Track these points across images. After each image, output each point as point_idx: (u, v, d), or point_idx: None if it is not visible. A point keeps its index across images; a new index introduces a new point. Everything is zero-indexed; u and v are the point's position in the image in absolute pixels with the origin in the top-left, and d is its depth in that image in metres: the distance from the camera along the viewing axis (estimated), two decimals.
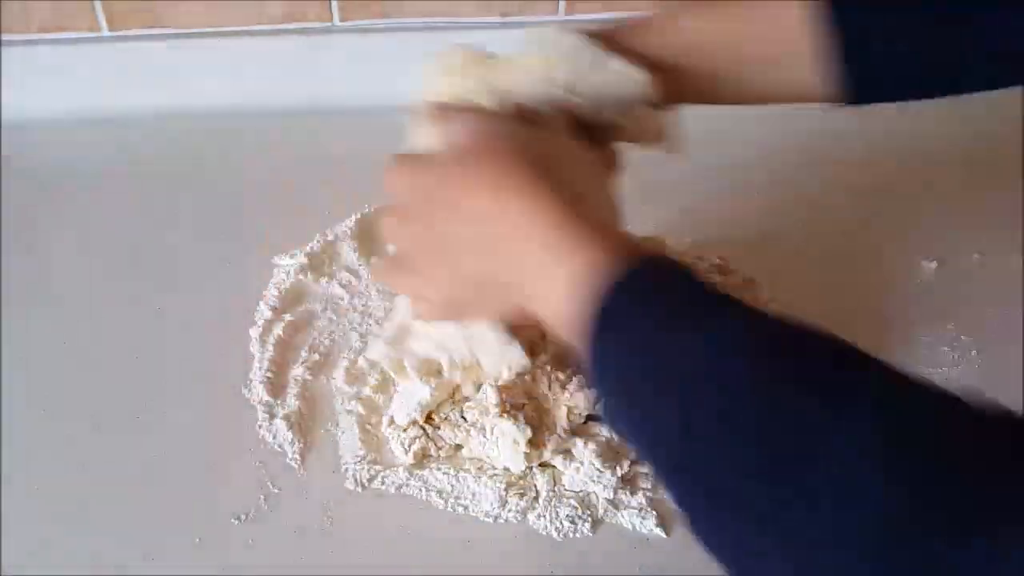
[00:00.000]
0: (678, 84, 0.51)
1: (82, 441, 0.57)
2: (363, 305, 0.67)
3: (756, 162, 0.85)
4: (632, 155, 0.53)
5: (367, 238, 0.73)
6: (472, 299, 0.47)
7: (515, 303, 0.44)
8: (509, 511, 0.52)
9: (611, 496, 0.53)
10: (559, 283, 0.40)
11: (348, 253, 0.71)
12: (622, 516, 0.52)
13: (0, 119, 0.90)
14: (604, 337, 0.38)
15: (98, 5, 0.91)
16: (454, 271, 0.46)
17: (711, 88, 0.51)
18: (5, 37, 0.91)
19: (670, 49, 0.51)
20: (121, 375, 0.62)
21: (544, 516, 0.52)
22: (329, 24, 0.93)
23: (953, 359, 0.61)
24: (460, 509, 0.53)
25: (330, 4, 0.92)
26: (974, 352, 0.61)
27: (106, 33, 0.92)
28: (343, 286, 0.68)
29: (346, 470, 0.55)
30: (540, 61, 0.51)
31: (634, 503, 0.53)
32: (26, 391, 0.61)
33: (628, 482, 0.54)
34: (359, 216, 0.74)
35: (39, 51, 0.92)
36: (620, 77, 0.50)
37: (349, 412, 0.58)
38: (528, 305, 0.43)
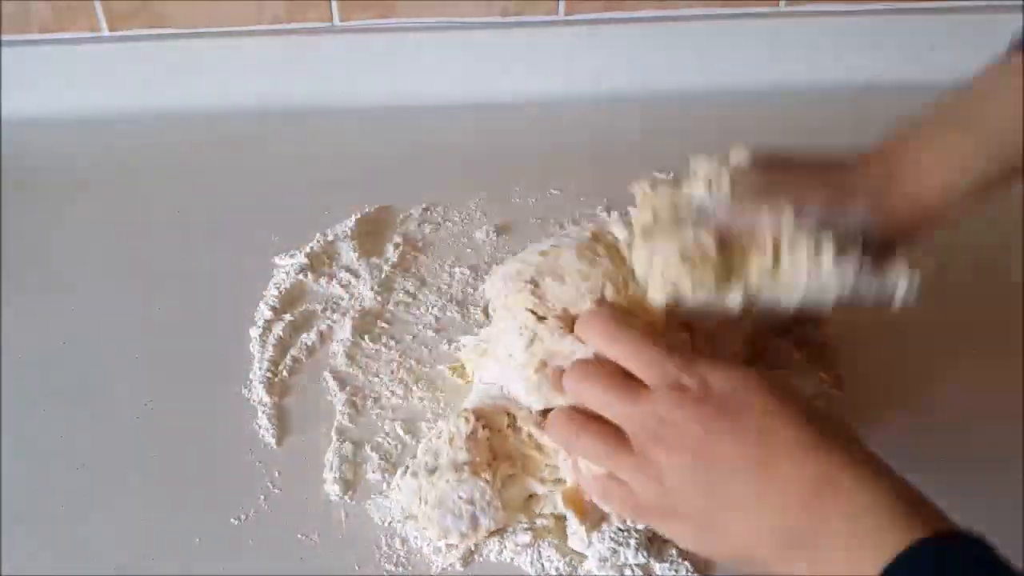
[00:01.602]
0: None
1: (82, 440, 0.57)
2: (361, 306, 0.66)
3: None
4: None
5: (367, 238, 0.73)
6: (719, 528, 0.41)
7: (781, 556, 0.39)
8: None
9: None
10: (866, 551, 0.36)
11: (348, 253, 0.71)
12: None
13: (0, 119, 0.90)
14: None
15: (98, 5, 0.91)
16: (700, 484, 0.41)
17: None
18: (5, 37, 0.91)
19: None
20: (121, 375, 0.62)
21: None
22: (329, 24, 0.93)
23: (953, 359, 0.61)
24: None
25: (330, 4, 0.92)
26: (974, 352, 0.61)
27: (106, 33, 0.92)
28: (343, 286, 0.68)
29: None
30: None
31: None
32: (26, 390, 0.61)
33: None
34: (359, 216, 0.75)
35: (39, 51, 0.92)
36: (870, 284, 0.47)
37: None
38: (783, 558, 0.39)
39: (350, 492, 0.53)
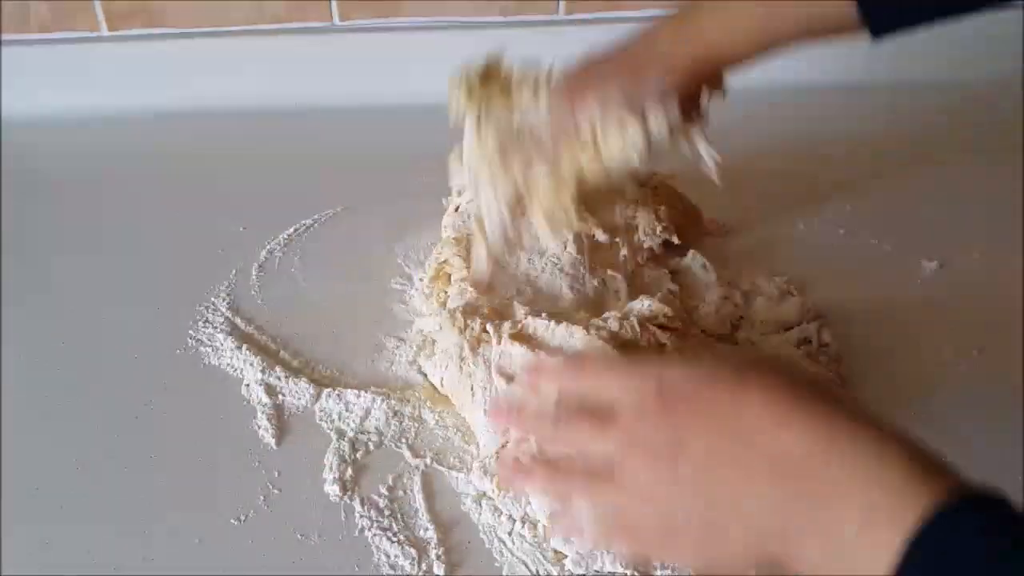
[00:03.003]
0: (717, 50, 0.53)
1: (82, 441, 0.57)
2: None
3: (754, 162, 0.85)
4: None
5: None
6: (691, 527, 0.39)
7: (767, 547, 0.37)
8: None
9: None
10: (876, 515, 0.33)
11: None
12: None
13: (0, 119, 0.90)
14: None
15: (98, 5, 0.91)
16: (687, 487, 0.38)
17: (745, 41, 0.53)
18: (5, 37, 0.91)
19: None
20: (120, 375, 0.62)
21: None
22: (329, 24, 0.93)
23: (953, 359, 0.61)
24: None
25: (330, 4, 0.92)
26: (974, 352, 0.61)
27: (106, 33, 0.92)
28: None
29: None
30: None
31: None
32: (25, 391, 0.61)
33: None
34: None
35: (39, 51, 0.92)
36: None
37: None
38: (792, 546, 0.36)
39: (350, 492, 0.53)
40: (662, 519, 0.40)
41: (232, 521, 0.51)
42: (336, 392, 0.59)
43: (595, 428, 0.42)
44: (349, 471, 0.54)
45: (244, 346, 0.63)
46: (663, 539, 0.41)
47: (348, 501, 0.52)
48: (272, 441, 0.56)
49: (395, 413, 0.58)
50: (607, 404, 0.42)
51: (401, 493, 0.53)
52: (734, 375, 0.39)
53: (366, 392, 0.59)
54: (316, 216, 0.77)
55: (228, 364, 0.62)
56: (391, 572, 0.48)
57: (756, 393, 0.38)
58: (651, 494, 0.40)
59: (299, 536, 0.50)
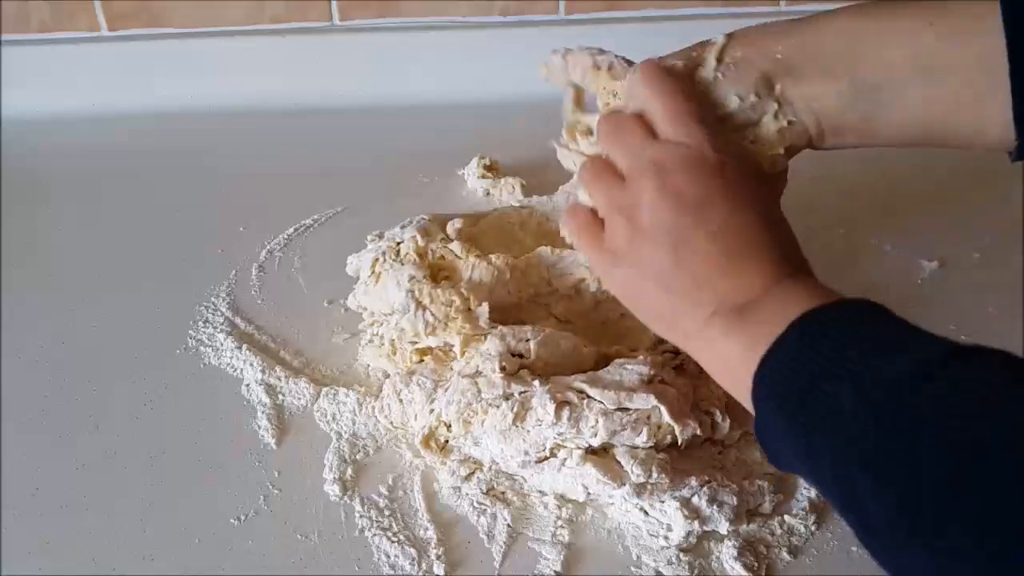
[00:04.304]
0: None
1: (82, 441, 0.57)
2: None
3: None
4: None
5: None
6: (657, 283, 0.45)
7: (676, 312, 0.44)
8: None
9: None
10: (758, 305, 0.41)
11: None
12: None
13: (0, 119, 0.90)
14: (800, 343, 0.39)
15: (98, 5, 0.91)
16: (672, 237, 0.44)
17: (866, 113, 0.47)
18: (5, 37, 0.91)
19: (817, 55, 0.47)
20: (120, 374, 0.62)
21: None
22: (329, 24, 0.93)
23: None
24: None
25: (330, 4, 0.92)
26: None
27: (106, 33, 0.93)
28: None
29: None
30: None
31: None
32: (25, 391, 0.61)
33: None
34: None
35: (39, 51, 0.92)
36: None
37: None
38: (683, 321, 0.44)
39: (350, 492, 0.53)
40: (630, 246, 0.45)
41: (232, 521, 0.51)
42: (336, 392, 0.59)
43: (644, 136, 0.46)
44: (349, 471, 0.54)
45: (244, 346, 0.63)
46: (615, 260, 0.46)
47: (348, 501, 0.52)
48: (272, 441, 0.56)
49: None
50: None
51: (401, 493, 0.53)
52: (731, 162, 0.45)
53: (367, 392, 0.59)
54: (316, 216, 0.77)
55: (228, 364, 0.62)
56: (391, 572, 0.48)
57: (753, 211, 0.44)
58: (639, 219, 0.45)
59: (299, 536, 0.50)
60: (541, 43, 0.96)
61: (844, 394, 0.35)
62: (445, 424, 0.54)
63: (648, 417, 0.51)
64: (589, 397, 0.51)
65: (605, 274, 0.49)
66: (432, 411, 0.54)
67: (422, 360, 0.58)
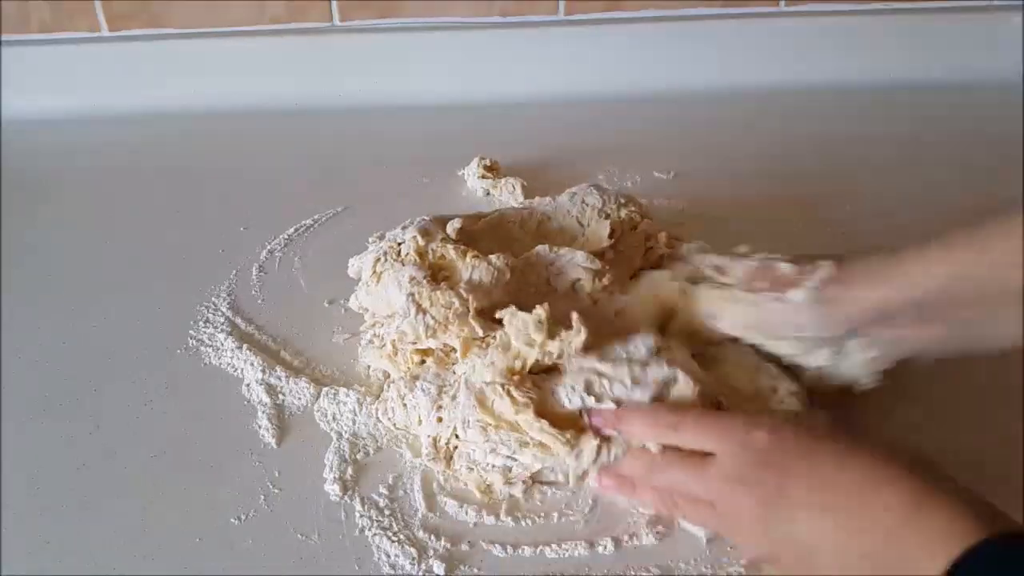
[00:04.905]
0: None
1: (82, 441, 0.57)
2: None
3: (753, 163, 0.85)
4: None
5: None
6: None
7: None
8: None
9: None
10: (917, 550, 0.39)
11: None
12: None
13: (0, 119, 0.91)
14: None
15: (98, 5, 0.91)
16: (784, 524, 0.43)
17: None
18: (5, 37, 0.91)
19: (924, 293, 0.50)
20: (120, 374, 0.62)
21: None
22: (329, 24, 0.93)
23: (953, 359, 0.61)
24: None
25: (330, 4, 0.92)
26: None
27: (106, 33, 0.93)
28: None
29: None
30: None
31: None
32: (26, 390, 0.61)
33: None
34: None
35: (39, 51, 0.92)
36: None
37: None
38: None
39: (350, 492, 0.53)
40: (759, 548, 0.45)
41: (232, 521, 0.51)
42: (336, 392, 0.59)
43: (694, 471, 0.47)
44: (349, 471, 0.54)
45: (244, 346, 0.63)
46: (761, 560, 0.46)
47: (348, 501, 0.52)
48: (272, 441, 0.56)
49: None
50: (708, 449, 0.47)
51: (401, 493, 0.53)
52: (830, 434, 0.45)
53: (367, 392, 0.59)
54: (316, 216, 0.77)
55: (228, 364, 0.62)
56: (391, 572, 0.48)
57: (861, 455, 0.43)
58: (752, 526, 0.44)
59: (299, 536, 0.50)
60: (541, 43, 0.97)
61: None
62: (454, 434, 0.54)
63: (667, 386, 0.52)
64: (603, 375, 0.52)
65: None
66: (440, 420, 0.54)
67: (423, 361, 0.58)
